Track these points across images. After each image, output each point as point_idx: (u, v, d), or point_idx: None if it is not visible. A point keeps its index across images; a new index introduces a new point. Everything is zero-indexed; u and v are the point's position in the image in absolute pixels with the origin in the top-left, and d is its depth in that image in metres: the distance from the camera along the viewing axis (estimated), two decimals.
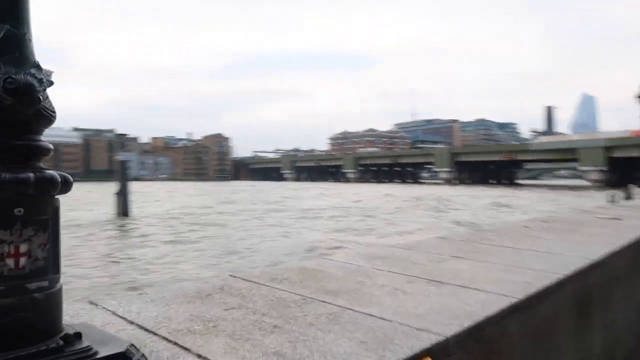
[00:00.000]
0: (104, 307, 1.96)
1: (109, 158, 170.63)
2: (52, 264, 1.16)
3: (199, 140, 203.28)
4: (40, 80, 0.97)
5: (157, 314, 1.88)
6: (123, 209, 23.01)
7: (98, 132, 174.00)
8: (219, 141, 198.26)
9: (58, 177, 1.15)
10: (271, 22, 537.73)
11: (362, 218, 22.34)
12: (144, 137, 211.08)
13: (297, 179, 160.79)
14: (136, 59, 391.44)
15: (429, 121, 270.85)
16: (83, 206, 30.60)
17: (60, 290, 1.21)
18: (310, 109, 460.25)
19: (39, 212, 1.13)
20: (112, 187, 76.81)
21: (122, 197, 23.33)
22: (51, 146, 1.16)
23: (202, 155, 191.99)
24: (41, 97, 1.00)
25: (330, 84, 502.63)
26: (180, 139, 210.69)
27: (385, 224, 20.21)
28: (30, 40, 1.05)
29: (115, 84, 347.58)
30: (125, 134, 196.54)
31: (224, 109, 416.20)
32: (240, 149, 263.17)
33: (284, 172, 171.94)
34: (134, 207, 29.73)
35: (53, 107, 1.07)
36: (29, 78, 0.94)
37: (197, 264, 10.44)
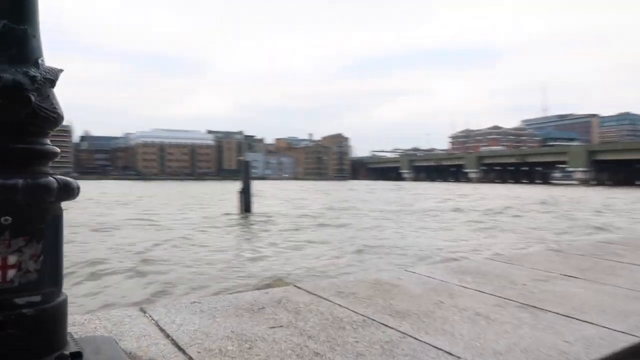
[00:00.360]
0: (149, 316, 1.88)
1: (238, 158, 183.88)
2: (48, 277, 1.09)
3: (319, 140, 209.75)
4: (32, 78, 0.84)
5: (198, 327, 1.77)
6: (245, 206, 24.65)
7: (228, 134, 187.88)
8: (339, 141, 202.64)
9: (55, 182, 1.07)
10: (389, 22, 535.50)
11: (488, 220, 21.52)
12: (269, 138, 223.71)
13: (416, 179, 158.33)
14: (263, 64, 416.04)
15: (561, 117, 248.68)
16: (213, 203, 33.67)
17: (60, 305, 1.12)
18: (430, 107, 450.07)
19: (31, 220, 1.06)
20: (238, 185, 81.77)
21: (245, 195, 24.86)
22: (57, 149, 1.05)
23: (322, 155, 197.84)
24: (33, 97, 0.87)
25: (451, 80, 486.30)
26: (302, 140, 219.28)
27: (508, 227, 19.34)
28: (34, 36, 0.93)
29: (244, 89, 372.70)
30: (253, 136, 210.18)
31: (344, 109, 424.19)
32: (359, 149, 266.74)
33: (402, 171, 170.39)
34: (259, 205, 31.98)
35: (55, 108, 0.93)
36: (19, 76, 0.83)
37: (307, 264, 10.95)
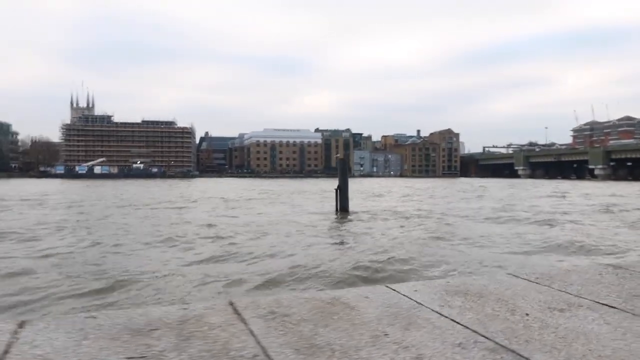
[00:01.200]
0: (18, 333, 1.76)
1: (345, 156, 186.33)
2: None
3: (426, 137, 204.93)
4: None
5: (51, 350, 1.60)
6: (342, 205, 24.63)
7: (336, 132, 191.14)
8: (448, 137, 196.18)
9: None
10: (503, 9, 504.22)
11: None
12: (376, 136, 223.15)
13: (532, 176, 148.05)
14: (371, 61, 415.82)
15: None
16: (315, 202, 34.72)
17: None
18: (549, 98, 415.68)
19: None
20: (350, 183, 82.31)
21: (342, 194, 24.79)
22: None
23: (430, 151, 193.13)
24: None
25: (573, 68, 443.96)
26: (410, 136, 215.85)
27: None
28: None
29: (352, 86, 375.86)
30: (360, 133, 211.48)
31: (455, 103, 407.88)
32: (469, 145, 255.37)
33: (517, 168, 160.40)
34: (361, 203, 32.46)
35: None
36: None
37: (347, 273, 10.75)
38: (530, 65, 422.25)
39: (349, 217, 23.08)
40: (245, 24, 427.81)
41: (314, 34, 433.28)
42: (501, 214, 24.67)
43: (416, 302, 2.18)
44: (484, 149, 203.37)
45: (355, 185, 72.96)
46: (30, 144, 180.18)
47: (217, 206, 31.22)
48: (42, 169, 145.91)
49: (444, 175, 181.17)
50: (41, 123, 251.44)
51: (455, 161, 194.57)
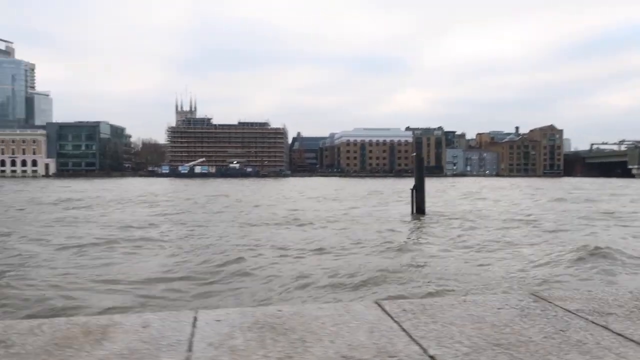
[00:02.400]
0: None
1: (437, 154, 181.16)
2: None
3: (525, 134, 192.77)
4: None
5: None
6: (418, 206, 23.87)
7: (427, 131, 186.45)
8: (550, 134, 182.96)
9: None
10: None
11: None
12: (470, 133, 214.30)
13: None
14: (467, 57, 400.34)
15: None
16: (396, 202, 34.12)
17: None
18: None
19: None
20: (437, 183, 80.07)
21: (418, 194, 24.03)
22: None
23: (529, 149, 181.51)
24: None
25: None
26: (507, 134, 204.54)
27: None
28: None
29: (445, 83, 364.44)
30: (453, 131, 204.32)
31: (558, 98, 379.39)
32: (575, 142, 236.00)
33: (630, 167, 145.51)
34: (444, 203, 31.43)
35: None
36: None
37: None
38: None
39: (423, 219, 22.40)
40: (339, 25, 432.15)
41: (408, 32, 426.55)
42: None
43: (206, 337, 1.84)
44: (591, 146, 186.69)
45: (439, 185, 70.67)
46: (141, 146, 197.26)
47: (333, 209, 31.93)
48: (150, 168, 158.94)
49: (545, 174, 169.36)
50: (151, 126, 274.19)
51: (558, 160, 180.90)
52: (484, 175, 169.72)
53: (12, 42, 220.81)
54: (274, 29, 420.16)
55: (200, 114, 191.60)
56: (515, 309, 1.97)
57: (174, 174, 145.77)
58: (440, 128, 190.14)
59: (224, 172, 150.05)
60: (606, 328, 1.71)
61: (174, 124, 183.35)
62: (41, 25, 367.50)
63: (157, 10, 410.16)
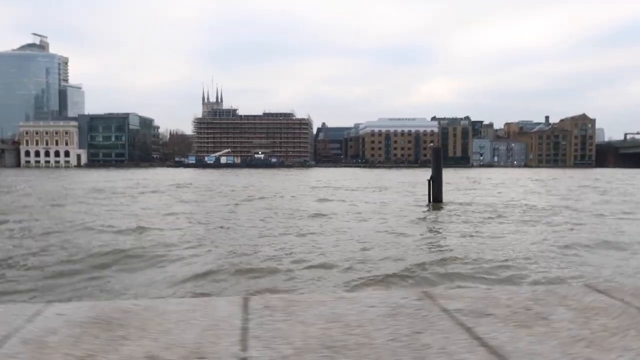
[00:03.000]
0: None
1: (463, 145, 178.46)
2: None
3: (556, 123, 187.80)
4: None
5: None
6: (435, 196, 23.74)
7: (454, 121, 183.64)
8: (582, 123, 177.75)
9: None
10: None
11: None
12: (499, 123, 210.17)
13: None
14: (493, 46, 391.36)
15: None
16: (418, 193, 34.01)
17: None
18: None
19: None
20: (464, 174, 78.51)
21: (436, 184, 23.87)
22: None
23: (560, 139, 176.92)
24: None
25: None
26: (537, 123, 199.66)
27: None
28: None
29: (474, 73, 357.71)
30: (481, 121, 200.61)
31: (591, 87, 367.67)
32: (609, 132, 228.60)
33: None
34: (462, 195, 31.23)
35: None
36: None
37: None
38: None
39: (440, 209, 22.29)
40: (366, 15, 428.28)
41: (435, 22, 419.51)
42: None
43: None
44: (625, 136, 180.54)
45: (459, 176, 69.72)
46: (168, 137, 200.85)
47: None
48: (177, 159, 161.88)
49: (575, 165, 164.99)
50: (178, 118, 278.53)
51: (590, 150, 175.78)
52: (512, 166, 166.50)
53: (46, 37, 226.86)
54: (299, 20, 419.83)
55: (226, 105, 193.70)
56: (389, 307, 1.86)
57: (201, 164, 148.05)
58: (467, 118, 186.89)
59: (249, 163, 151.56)
60: (469, 330, 1.63)
61: (200, 115, 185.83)
62: (74, 20, 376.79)
63: (183, 2, 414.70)
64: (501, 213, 20.67)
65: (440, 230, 16.18)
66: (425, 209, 22.60)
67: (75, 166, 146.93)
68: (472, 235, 14.61)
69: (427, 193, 24.31)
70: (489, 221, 18.11)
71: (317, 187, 43.00)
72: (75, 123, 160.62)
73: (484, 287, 2.16)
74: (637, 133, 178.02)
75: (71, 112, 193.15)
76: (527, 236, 14.56)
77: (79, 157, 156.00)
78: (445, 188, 26.10)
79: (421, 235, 14.90)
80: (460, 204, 24.43)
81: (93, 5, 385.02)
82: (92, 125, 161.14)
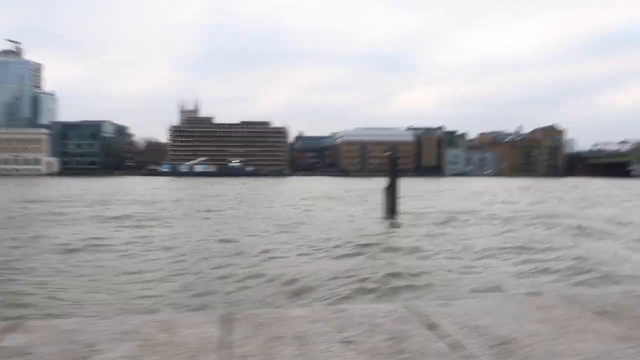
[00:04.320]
0: None
1: (438, 154, 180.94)
2: None
3: (527, 134, 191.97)
4: None
5: None
6: (390, 206, 23.13)
7: (428, 131, 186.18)
8: (552, 134, 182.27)
9: None
10: None
11: None
12: (473, 133, 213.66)
13: None
14: (468, 56, 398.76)
15: None
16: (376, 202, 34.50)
17: None
18: None
19: None
20: (437, 183, 79.80)
21: (391, 196, 23.23)
22: None
23: (530, 150, 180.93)
24: None
25: None
26: (509, 134, 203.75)
27: None
28: None
29: (449, 83, 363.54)
30: (455, 131, 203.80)
31: (562, 98, 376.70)
32: (582, 142, 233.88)
33: (631, 168, 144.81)
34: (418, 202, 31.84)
35: None
36: None
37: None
38: None
39: (393, 222, 22.00)
40: (350, 24, 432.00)
41: (415, 33, 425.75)
42: None
43: None
44: (593, 147, 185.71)
45: (428, 186, 70.83)
46: (144, 145, 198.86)
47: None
48: (150, 167, 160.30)
49: (546, 175, 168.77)
50: (156, 125, 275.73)
51: (560, 160, 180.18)
52: (485, 176, 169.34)
53: (20, 43, 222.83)
54: (281, 28, 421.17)
55: (206, 113, 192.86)
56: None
57: (175, 172, 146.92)
58: (441, 128, 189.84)
59: (225, 171, 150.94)
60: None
61: (177, 123, 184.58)
62: (52, 26, 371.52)
63: (166, 9, 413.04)
64: (451, 223, 21.20)
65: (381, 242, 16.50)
66: (375, 218, 22.98)
67: (46, 174, 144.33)
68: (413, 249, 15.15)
69: (383, 202, 23.76)
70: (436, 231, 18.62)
71: (279, 195, 43.32)
72: (46, 130, 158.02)
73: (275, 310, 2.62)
74: (605, 144, 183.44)
75: (44, 120, 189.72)
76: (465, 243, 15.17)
77: (50, 165, 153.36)
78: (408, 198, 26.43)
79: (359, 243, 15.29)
80: (413, 213, 24.79)
81: (71, 11, 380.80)
82: (64, 132, 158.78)
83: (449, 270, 11.29)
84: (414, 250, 14.38)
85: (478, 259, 12.95)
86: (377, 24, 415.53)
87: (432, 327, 2.15)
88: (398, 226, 20.37)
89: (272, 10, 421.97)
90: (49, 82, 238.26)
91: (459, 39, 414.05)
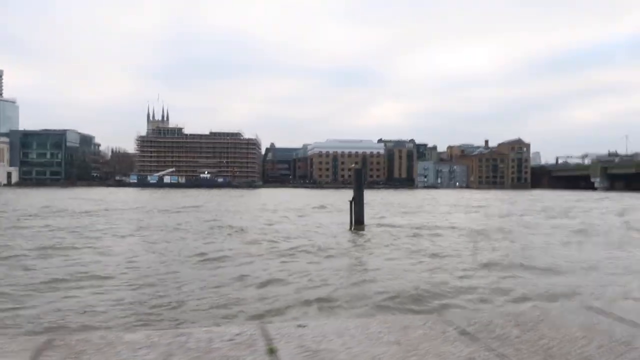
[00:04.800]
0: None
1: (408, 167, 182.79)
2: None
3: (494, 147, 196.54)
4: None
5: None
6: (357, 217, 23.50)
7: (399, 143, 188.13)
8: (517, 147, 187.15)
9: None
10: (583, 15, 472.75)
11: None
12: (442, 146, 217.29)
13: (610, 189, 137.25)
14: (439, 71, 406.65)
15: None
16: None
17: None
18: (632, 106, 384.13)
19: None
20: (409, 195, 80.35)
21: (357, 207, 23.60)
22: None
23: (498, 162, 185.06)
24: None
25: None
26: (477, 147, 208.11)
27: None
28: None
29: (418, 97, 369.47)
30: (425, 144, 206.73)
31: (526, 113, 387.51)
32: (543, 155, 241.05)
33: (593, 180, 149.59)
34: (387, 217, 31.57)
35: None
36: None
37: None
38: (612, 72, 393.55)
39: (361, 232, 22.25)
40: (318, 38, 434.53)
41: (384, 46, 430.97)
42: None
43: None
44: (557, 160, 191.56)
45: (394, 198, 71.12)
46: (110, 155, 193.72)
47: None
48: (117, 178, 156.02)
49: (512, 187, 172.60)
50: (122, 135, 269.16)
51: (526, 172, 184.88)
52: (454, 188, 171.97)
53: None
54: (250, 40, 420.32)
55: (174, 123, 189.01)
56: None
57: (142, 183, 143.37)
58: (412, 141, 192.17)
59: (194, 183, 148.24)
60: None
61: (144, 134, 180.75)
62: (14, 31, 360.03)
63: (131, 17, 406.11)
64: (417, 233, 21.03)
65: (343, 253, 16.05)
66: (341, 229, 22.90)
67: (4, 185, 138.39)
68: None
69: (349, 214, 24.11)
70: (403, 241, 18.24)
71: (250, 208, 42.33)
72: (5, 139, 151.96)
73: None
74: (568, 157, 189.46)
75: (3, 128, 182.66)
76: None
77: (9, 175, 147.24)
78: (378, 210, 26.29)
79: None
80: (380, 225, 24.76)
81: (35, 17, 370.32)
82: (25, 141, 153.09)
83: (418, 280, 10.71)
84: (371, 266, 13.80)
85: (406, 270, 12.44)
86: (343, 39, 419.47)
87: (271, 352, 2.08)
88: (362, 237, 20.45)
89: (239, 21, 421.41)
90: (10, 89, 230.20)
91: (419, 56, 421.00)
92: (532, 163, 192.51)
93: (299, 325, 2.33)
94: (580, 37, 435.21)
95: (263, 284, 10.69)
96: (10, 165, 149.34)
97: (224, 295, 9.57)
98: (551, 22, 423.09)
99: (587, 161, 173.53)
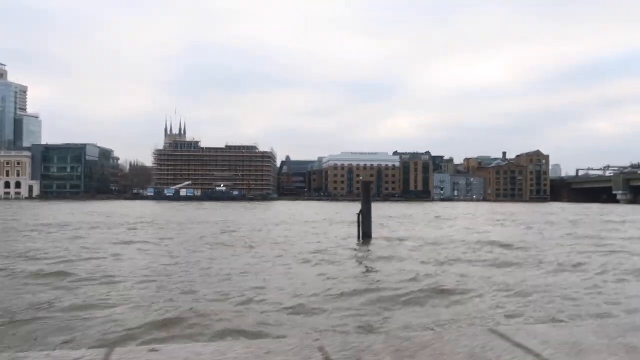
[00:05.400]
0: None
1: (424, 179, 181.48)
2: None
3: (512, 159, 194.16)
4: None
5: None
6: (365, 230, 23.37)
7: (415, 156, 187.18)
8: (536, 159, 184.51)
9: None
10: (606, 23, 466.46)
11: None
12: (458, 159, 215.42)
13: (634, 202, 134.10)
14: (457, 83, 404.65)
15: None
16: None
17: None
18: None
19: None
20: (424, 207, 79.34)
21: (365, 220, 23.44)
22: None
23: (516, 175, 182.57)
24: None
25: None
26: (495, 159, 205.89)
27: None
28: None
29: (435, 109, 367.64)
30: (441, 156, 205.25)
31: (545, 124, 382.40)
32: (563, 167, 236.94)
33: (615, 192, 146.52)
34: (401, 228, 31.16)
35: None
36: None
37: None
38: (632, 82, 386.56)
39: (368, 246, 21.87)
40: (331, 52, 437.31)
41: (398, 59, 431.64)
42: None
43: None
44: (577, 172, 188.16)
45: (415, 211, 70.25)
46: (128, 168, 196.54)
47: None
48: (135, 191, 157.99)
49: (532, 200, 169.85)
50: (140, 148, 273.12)
51: (545, 185, 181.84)
52: (471, 200, 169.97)
53: (5, 65, 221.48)
54: (269, 52, 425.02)
55: (190, 136, 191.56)
56: None
57: (159, 196, 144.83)
58: (427, 153, 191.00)
59: (210, 195, 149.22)
60: None
61: (162, 147, 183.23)
62: (38, 47, 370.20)
63: (148, 32, 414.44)
64: (431, 248, 20.60)
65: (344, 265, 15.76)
66: (349, 241, 22.68)
67: (26, 198, 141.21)
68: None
69: (359, 227, 23.80)
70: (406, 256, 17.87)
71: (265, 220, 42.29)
72: (28, 153, 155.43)
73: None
74: (588, 169, 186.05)
75: (27, 142, 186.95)
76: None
77: (31, 188, 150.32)
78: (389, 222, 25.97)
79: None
80: (389, 238, 24.41)
81: (59, 34, 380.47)
82: (46, 155, 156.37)
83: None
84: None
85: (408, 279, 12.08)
86: (355, 53, 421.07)
87: None
88: (368, 251, 20.10)
89: (257, 32, 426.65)
90: (33, 104, 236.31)
91: (435, 68, 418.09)
92: (552, 175, 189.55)
93: (151, 350, 2.08)
94: (599, 47, 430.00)
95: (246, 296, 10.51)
96: (32, 179, 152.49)
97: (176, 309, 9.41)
98: (568, 33, 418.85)
99: (608, 173, 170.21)
